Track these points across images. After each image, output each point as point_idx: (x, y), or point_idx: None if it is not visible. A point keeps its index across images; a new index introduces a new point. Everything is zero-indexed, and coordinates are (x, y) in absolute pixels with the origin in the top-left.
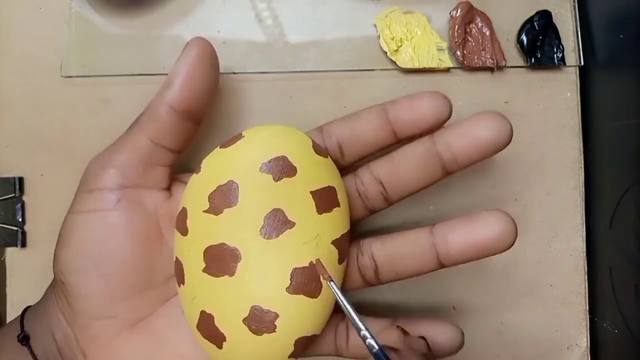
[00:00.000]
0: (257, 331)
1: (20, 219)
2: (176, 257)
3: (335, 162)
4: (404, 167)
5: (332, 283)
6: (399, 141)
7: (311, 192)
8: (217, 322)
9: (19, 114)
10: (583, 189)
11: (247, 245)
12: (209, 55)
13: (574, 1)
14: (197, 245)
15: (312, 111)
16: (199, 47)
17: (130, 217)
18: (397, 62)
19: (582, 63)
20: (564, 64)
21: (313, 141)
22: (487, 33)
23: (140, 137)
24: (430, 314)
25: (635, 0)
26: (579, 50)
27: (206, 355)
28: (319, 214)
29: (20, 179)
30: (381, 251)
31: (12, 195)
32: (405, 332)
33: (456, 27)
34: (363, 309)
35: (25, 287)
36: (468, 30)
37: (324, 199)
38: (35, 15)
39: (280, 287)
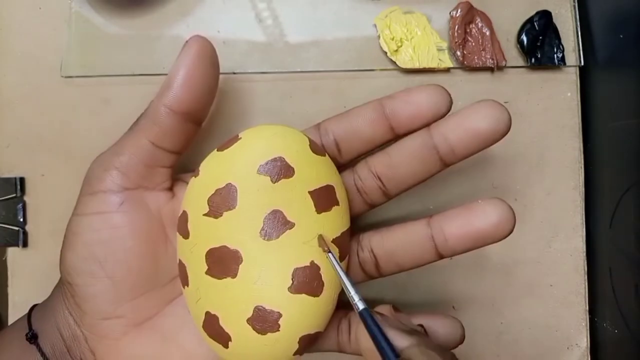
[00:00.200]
0: (261, 331)
1: (21, 219)
2: (179, 260)
3: (333, 159)
4: (402, 161)
5: (330, 255)
6: (397, 137)
7: (309, 192)
8: (222, 323)
9: (19, 114)
10: (583, 189)
11: (248, 247)
12: (208, 54)
13: (574, 1)
14: (199, 248)
15: (312, 111)
16: (197, 46)
17: (134, 218)
18: (397, 62)
19: (582, 63)
20: (564, 64)
21: (310, 140)
22: (487, 33)
23: (141, 139)
24: None
25: (635, 0)
26: (579, 50)
27: (212, 353)
28: (318, 213)
29: (21, 179)
30: (380, 245)
31: (13, 195)
32: (397, 310)
33: (456, 27)
34: None
35: (27, 287)
36: (468, 30)
37: (323, 198)
38: (35, 15)
39: (283, 287)
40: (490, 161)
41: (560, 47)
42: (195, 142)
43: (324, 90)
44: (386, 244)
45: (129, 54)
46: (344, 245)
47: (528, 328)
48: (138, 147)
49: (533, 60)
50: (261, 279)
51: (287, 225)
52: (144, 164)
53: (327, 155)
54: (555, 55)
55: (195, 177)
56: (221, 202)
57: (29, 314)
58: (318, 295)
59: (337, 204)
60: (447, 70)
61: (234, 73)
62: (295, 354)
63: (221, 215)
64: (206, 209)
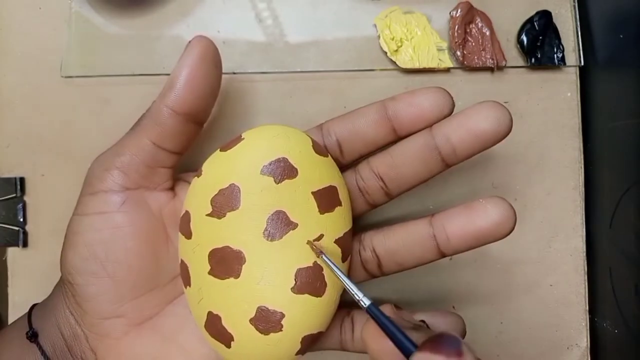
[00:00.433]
0: (264, 331)
1: (21, 219)
2: (181, 260)
3: (335, 160)
4: (404, 161)
5: (323, 256)
6: (399, 139)
7: (312, 193)
8: (225, 323)
9: (19, 114)
10: (583, 189)
11: (251, 248)
12: (211, 55)
13: (574, 1)
14: (201, 248)
15: (312, 111)
16: (201, 47)
17: (136, 218)
18: (397, 62)
19: (582, 63)
20: (564, 64)
21: (313, 141)
22: (487, 33)
23: (143, 139)
24: None
25: (635, 0)
26: (579, 50)
27: (212, 353)
28: (321, 213)
29: (21, 179)
30: (382, 244)
31: (14, 195)
32: (399, 308)
33: (456, 27)
34: None
35: (27, 287)
36: (468, 30)
37: (326, 199)
38: (35, 15)
39: (285, 288)
40: (490, 161)
41: (560, 47)
42: (195, 142)
43: (324, 90)
44: (388, 244)
45: (129, 54)
46: (347, 245)
47: (528, 328)
48: (139, 147)
49: (533, 60)
50: (264, 279)
51: (290, 225)
52: (145, 164)
53: (329, 156)
54: (555, 55)
55: (197, 177)
56: (224, 202)
57: (29, 313)
58: (321, 296)
59: (340, 204)
60: (447, 70)
61: (234, 73)
62: (297, 353)
63: (224, 216)
64: (209, 209)
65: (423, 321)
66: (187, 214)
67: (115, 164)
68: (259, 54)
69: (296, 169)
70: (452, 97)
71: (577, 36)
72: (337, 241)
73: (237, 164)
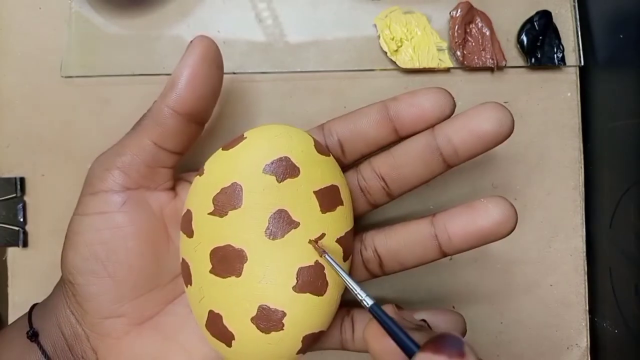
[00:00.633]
0: (265, 330)
1: (21, 219)
2: (182, 258)
3: (337, 160)
4: (405, 161)
5: (326, 255)
6: (400, 139)
7: (314, 192)
8: (226, 322)
9: (19, 114)
10: (583, 189)
11: (252, 246)
12: (212, 55)
13: (574, 1)
14: (203, 247)
15: (312, 111)
16: (202, 47)
17: (136, 218)
18: (397, 62)
19: (582, 63)
20: (564, 64)
21: (315, 140)
22: (487, 33)
23: (144, 139)
24: None
25: (635, 0)
26: (579, 50)
27: (213, 352)
28: (322, 213)
29: (22, 179)
30: (384, 244)
31: (14, 195)
32: (400, 307)
33: (456, 27)
34: None
35: (27, 287)
36: (468, 30)
37: (328, 198)
38: (35, 15)
39: (287, 286)
40: (490, 161)
41: (560, 47)
42: (195, 142)
43: (324, 90)
44: (390, 243)
45: (129, 54)
46: (348, 245)
47: (528, 328)
48: (140, 147)
49: (533, 60)
50: (266, 278)
51: (292, 224)
52: (146, 164)
53: (331, 155)
54: (555, 55)
55: (199, 176)
56: (226, 201)
57: (30, 313)
58: (322, 295)
59: (342, 204)
60: (447, 70)
61: (234, 73)
62: (298, 352)
63: (226, 214)
64: (211, 208)
65: (424, 320)
66: (188, 212)
67: (116, 164)
68: (259, 54)
69: (298, 168)
70: (453, 98)
71: (577, 36)
72: (338, 240)
73: (239, 163)
